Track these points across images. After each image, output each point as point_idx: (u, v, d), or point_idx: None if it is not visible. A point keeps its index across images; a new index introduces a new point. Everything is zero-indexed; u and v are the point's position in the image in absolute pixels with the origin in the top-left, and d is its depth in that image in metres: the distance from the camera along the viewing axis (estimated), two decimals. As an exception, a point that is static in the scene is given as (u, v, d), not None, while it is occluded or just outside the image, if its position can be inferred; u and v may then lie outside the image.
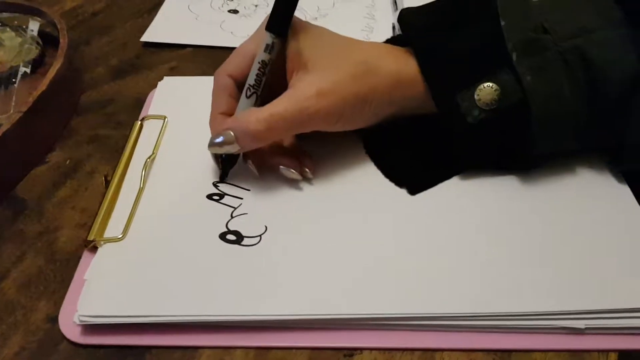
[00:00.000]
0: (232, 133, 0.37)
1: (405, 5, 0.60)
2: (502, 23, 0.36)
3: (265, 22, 0.38)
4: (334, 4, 0.63)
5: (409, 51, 0.39)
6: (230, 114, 0.40)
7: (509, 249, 0.36)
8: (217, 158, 0.41)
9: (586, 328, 0.32)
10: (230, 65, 0.40)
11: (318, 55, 0.38)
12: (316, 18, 0.61)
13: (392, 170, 0.41)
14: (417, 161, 0.41)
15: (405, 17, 0.40)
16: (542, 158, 0.39)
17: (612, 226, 0.37)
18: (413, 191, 0.40)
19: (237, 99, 0.40)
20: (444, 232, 0.37)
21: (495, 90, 0.36)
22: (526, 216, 0.38)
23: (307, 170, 0.40)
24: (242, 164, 0.41)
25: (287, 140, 0.43)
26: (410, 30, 0.39)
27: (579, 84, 0.36)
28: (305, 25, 0.39)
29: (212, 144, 0.38)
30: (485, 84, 0.36)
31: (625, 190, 0.39)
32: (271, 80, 0.39)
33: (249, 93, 0.39)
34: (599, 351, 0.32)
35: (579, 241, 0.36)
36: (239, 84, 0.40)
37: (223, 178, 0.41)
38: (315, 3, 0.63)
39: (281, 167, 0.40)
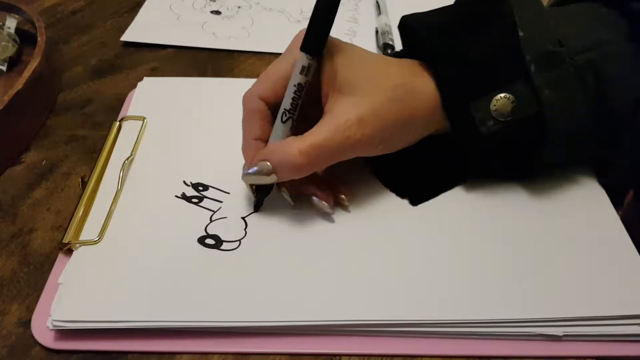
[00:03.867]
0: (268, 164, 0.35)
1: (389, 10, 0.61)
2: (521, 34, 0.35)
3: (297, 42, 0.36)
4: (317, 7, 0.63)
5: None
6: (264, 139, 0.37)
7: (489, 258, 0.36)
8: (252, 186, 0.39)
9: (564, 335, 0.32)
10: (262, 87, 0.37)
11: (354, 77, 0.36)
12: (299, 20, 0.61)
13: (393, 181, 0.40)
14: (418, 171, 0.41)
15: (412, 24, 0.39)
16: (545, 167, 0.39)
17: (590, 234, 0.37)
18: (415, 202, 0.39)
19: (271, 123, 0.37)
20: (424, 240, 0.37)
21: (511, 101, 0.36)
22: (505, 225, 0.38)
23: (343, 197, 0.38)
24: (226, 172, 0.41)
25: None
26: (424, 40, 0.38)
27: (591, 99, 0.36)
28: (338, 44, 0.37)
29: (247, 174, 0.36)
30: (501, 95, 0.36)
31: (603, 199, 0.39)
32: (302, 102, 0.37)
33: (284, 118, 0.36)
34: (576, 358, 0.32)
35: (557, 249, 0.36)
36: (272, 108, 0.37)
37: (258, 208, 0.39)
38: (298, 5, 0.63)
39: (314, 198, 0.38)
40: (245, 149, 0.38)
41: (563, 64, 0.35)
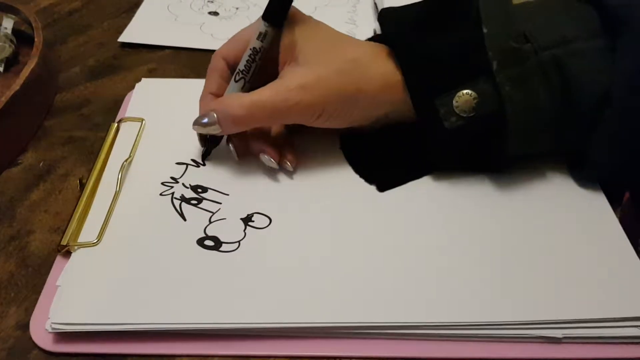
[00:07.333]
0: (215, 115, 0.38)
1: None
2: (484, 30, 0.36)
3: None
4: (315, 8, 0.63)
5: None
6: (219, 95, 0.41)
7: (487, 260, 0.36)
8: (202, 137, 0.42)
9: (564, 337, 0.32)
10: (225, 48, 0.41)
11: (310, 49, 0.38)
12: (297, 22, 0.61)
13: (363, 167, 0.41)
14: (388, 159, 0.42)
15: (387, 17, 0.40)
16: (514, 160, 0.40)
17: (588, 236, 0.37)
18: (382, 188, 0.40)
19: (228, 82, 0.40)
20: (423, 242, 0.37)
21: (473, 98, 0.36)
22: (504, 226, 0.38)
23: (287, 162, 0.41)
24: (225, 174, 0.41)
25: (275, 129, 0.43)
26: (393, 32, 0.39)
27: (555, 95, 0.36)
28: (303, 17, 0.39)
29: (196, 123, 0.39)
30: (464, 91, 0.36)
31: (600, 199, 0.39)
32: (268, 69, 0.39)
33: (237, 77, 0.40)
34: (575, 360, 0.33)
35: (556, 251, 0.36)
36: (232, 68, 0.40)
37: (205, 156, 0.43)
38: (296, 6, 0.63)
39: (261, 154, 0.40)
40: (201, 100, 0.41)
41: (526, 60, 0.36)
